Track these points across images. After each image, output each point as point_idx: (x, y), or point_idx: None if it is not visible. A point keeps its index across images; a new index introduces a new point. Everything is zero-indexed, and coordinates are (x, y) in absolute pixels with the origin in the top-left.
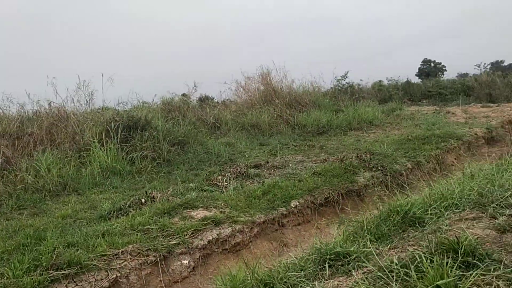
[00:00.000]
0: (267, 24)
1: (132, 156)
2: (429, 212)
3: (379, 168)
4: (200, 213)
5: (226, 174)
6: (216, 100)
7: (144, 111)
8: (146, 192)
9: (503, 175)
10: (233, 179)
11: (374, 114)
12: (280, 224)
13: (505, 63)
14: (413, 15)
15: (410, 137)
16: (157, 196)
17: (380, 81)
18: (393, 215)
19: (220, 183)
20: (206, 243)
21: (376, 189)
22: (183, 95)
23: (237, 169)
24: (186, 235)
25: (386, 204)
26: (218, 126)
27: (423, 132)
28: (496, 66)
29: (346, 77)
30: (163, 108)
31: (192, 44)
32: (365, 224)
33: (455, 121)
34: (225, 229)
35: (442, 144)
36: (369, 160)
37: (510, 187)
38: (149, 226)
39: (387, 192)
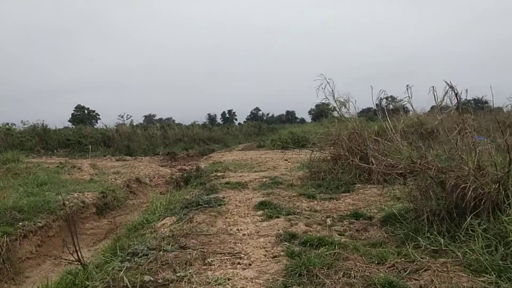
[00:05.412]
0: None
1: None
2: None
3: None
4: None
5: None
6: None
7: None
8: None
9: None
10: None
11: None
12: None
13: (156, 117)
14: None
15: None
16: None
17: (7, 124)
18: None
19: None
20: None
21: None
22: None
23: None
24: None
25: None
26: None
27: (13, 200)
28: (149, 118)
29: None
30: None
31: None
32: None
33: (79, 178)
34: None
35: (20, 224)
36: None
37: None
38: None
39: None
